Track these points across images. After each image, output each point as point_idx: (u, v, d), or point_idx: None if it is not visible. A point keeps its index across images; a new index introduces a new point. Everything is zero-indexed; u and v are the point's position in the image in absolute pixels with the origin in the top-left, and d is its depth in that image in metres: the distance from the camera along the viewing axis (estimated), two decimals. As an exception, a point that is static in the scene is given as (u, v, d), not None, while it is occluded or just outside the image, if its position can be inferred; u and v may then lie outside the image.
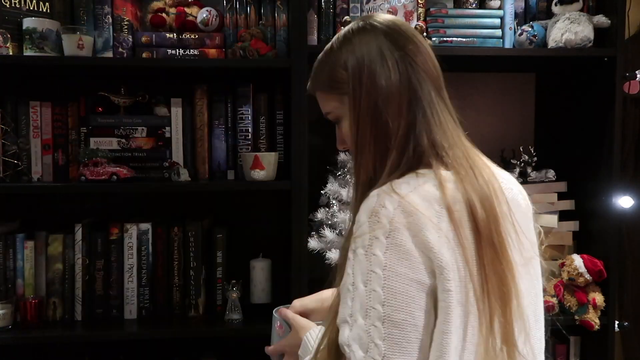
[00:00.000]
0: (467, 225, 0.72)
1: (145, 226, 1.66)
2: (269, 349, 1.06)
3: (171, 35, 1.61)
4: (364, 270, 0.70)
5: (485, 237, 0.72)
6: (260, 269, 1.74)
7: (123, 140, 1.64)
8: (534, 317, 0.82)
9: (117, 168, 1.57)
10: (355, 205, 0.80)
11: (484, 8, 1.74)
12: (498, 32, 1.71)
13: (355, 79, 0.83)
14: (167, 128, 1.67)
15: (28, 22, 1.56)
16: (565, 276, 1.66)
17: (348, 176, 1.61)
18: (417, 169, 0.78)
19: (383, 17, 0.88)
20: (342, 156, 1.64)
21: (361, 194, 0.79)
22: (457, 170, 0.76)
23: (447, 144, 0.80)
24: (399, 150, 0.79)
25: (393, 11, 1.70)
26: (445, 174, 0.75)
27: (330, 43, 0.89)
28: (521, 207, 0.83)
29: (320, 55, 0.91)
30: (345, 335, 0.70)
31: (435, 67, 0.87)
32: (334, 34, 1.69)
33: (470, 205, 0.73)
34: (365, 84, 0.82)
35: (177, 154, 1.68)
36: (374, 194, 0.74)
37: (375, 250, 0.69)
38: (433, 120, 0.81)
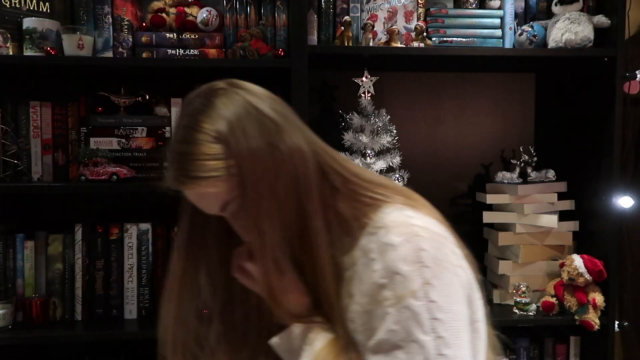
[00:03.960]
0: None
1: (145, 226, 1.66)
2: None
3: (171, 35, 1.61)
4: (422, 320, 0.65)
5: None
6: (260, 269, 1.73)
7: (123, 140, 1.64)
8: None
9: (117, 168, 1.57)
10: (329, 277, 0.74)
11: (484, 8, 1.74)
12: (498, 32, 1.71)
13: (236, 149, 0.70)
14: (167, 128, 1.67)
15: (28, 22, 1.56)
16: (565, 276, 1.66)
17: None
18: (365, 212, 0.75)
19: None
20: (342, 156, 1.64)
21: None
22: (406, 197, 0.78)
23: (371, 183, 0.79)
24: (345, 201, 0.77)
25: (393, 11, 1.70)
26: (405, 202, 0.76)
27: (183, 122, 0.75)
28: None
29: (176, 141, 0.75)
30: None
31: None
32: (334, 34, 1.69)
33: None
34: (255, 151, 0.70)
35: (177, 154, 1.68)
36: (399, 241, 0.68)
37: (432, 296, 0.65)
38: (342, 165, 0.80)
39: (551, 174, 1.79)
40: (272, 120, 0.72)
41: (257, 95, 0.74)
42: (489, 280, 1.88)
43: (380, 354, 0.67)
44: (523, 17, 1.75)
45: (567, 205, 1.79)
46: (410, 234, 0.69)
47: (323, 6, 1.68)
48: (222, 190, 0.71)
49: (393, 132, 1.65)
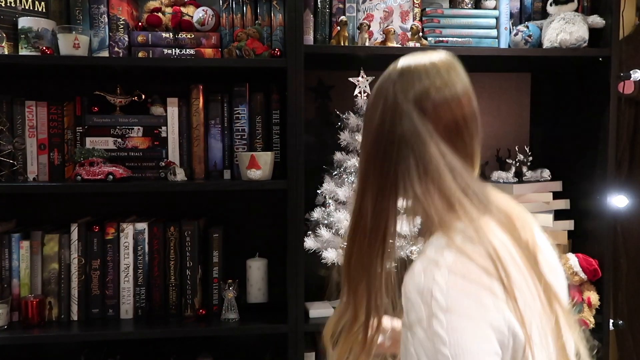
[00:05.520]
0: (514, 269, 0.71)
1: (142, 226, 1.66)
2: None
3: (167, 35, 1.61)
4: (429, 351, 0.67)
5: (532, 275, 0.73)
6: (256, 269, 1.74)
7: (119, 140, 1.64)
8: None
9: (113, 168, 1.57)
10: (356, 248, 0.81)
11: (480, 8, 1.74)
12: (493, 32, 1.72)
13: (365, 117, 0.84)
14: (163, 127, 1.67)
15: (23, 22, 1.55)
16: (560, 275, 1.67)
17: (344, 176, 1.61)
18: (444, 220, 0.74)
19: (409, 57, 0.84)
20: (338, 156, 1.64)
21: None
22: (483, 214, 0.75)
23: (462, 190, 0.76)
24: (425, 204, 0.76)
25: (389, 11, 1.70)
26: (476, 223, 0.73)
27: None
28: (546, 242, 0.88)
29: None
30: None
31: (455, 108, 0.80)
32: (330, 33, 1.70)
33: (508, 248, 0.73)
34: (365, 125, 0.83)
35: (173, 153, 1.68)
36: (419, 269, 0.71)
37: (437, 329, 0.66)
38: (442, 170, 0.76)
39: (546, 173, 1.79)
40: (381, 112, 0.81)
41: (399, 82, 0.82)
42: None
43: None
44: (518, 17, 1.76)
45: (562, 204, 1.80)
46: (431, 265, 0.70)
47: (319, 6, 1.68)
48: None
49: (389, 131, 1.65)
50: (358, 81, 1.64)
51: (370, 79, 1.64)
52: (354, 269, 0.83)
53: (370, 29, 1.67)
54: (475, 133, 0.82)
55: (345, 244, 0.85)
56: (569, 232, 1.79)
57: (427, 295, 0.68)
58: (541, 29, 1.70)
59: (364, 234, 0.81)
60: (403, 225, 0.82)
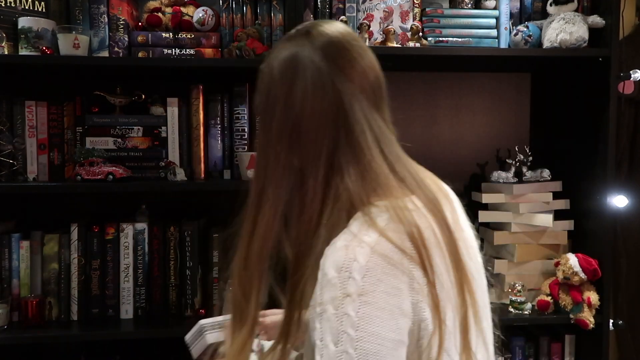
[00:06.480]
0: (437, 252, 0.70)
1: (141, 226, 1.66)
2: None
3: (167, 35, 1.61)
4: (334, 329, 0.64)
5: (452, 261, 0.71)
6: (256, 269, 1.74)
7: (119, 140, 1.64)
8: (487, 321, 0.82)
9: (113, 168, 1.57)
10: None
11: (480, 8, 1.74)
12: (493, 32, 1.72)
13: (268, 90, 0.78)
14: (163, 127, 1.67)
15: (23, 22, 1.55)
16: (560, 275, 1.67)
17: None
18: (369, 199, 0.72)
19: (321, 26, 0.79)
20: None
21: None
22: (410, 194, 0.73)
23: (391, 166, 0.75)
24: (326, 183, 0.74)
25: (389, 11, 1.70)
26: (402, 203, 0.71)
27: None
28: (462, 212, 0.84)
29: None
30: None
31: (374, 79, 0.80)
32: (330, 33, 1.69)
33: (433, 229, 0.71)
34: (279, 97, 0.76)
35: (173, 153, 1.68)
36: (340, 245, 0.67)
37: (348, 309, 0.63)
38: (370, 143, 0.75)
39: (546, 173, 1.79)
40: (312, 83, 0.76)
41: (317, 50, 0.77)
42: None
43: (309, 348, 0.70)
44: (518, 17, 1.76)
45: (562, 204, 1.80)
46: (354, 241, 0.67)
47: (319, 6, 1.68)
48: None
49: (389, 131, 1.65)
50: (358, 81, 1.64)
51: (370, 79, 1.64)
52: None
53: (370, 29, 1.67)
54: (386, 99, 0.83)
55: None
56: (569, 232, 1.79)
57: (345, 273, 0.65)
58: (541, 29, 1.70)
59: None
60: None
